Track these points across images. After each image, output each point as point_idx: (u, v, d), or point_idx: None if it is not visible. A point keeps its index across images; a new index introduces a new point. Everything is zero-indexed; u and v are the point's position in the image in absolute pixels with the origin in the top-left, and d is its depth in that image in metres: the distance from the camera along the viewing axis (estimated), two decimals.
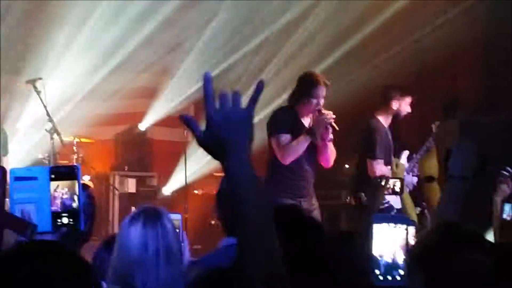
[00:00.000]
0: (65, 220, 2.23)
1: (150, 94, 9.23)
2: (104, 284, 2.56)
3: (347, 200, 7.94)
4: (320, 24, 8.74)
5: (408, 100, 6.28)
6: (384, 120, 6.26)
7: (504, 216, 4.22)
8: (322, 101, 5.44)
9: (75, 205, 2.24)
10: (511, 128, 7.07)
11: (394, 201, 5.99)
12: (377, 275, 1.72)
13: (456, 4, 8.27)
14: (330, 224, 8.04)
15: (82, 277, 1.55)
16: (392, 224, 1.71)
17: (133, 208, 8.50)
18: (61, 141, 7.15)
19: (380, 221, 1.73)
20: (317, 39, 8.76)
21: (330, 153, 5.52)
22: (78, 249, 2.61)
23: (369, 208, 6.10)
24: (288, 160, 5.39)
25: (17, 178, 2.25)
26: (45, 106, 7.04)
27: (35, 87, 7.06)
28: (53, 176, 2.24)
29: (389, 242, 1.72)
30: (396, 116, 6.28)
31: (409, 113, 6.32)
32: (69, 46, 8.41)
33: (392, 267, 1.72)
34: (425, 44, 8.28)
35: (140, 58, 8.91)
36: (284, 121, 5.46)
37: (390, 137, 6.28)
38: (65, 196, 2.24)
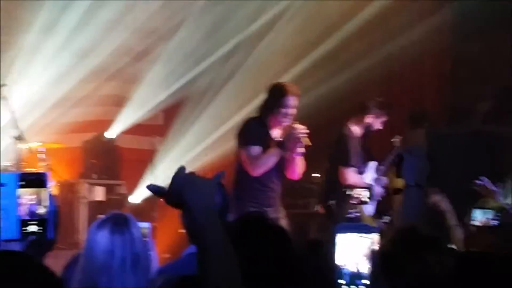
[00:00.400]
0: (33, 228, 2.21)
1: (118, 102, 9.19)
2: None
3: (316, 209, 7.97)
4: (290, 32, 8.77)
5: (382, 117, 6.37)
6: (355, 130, 6.33)
7: (475, 222, 4.27)
8: (292, 111, 5.44)
9: (43, 212, 2.22)
10: (476, 139, 7.20)
11: (365, 209, 6.03)
12: (341, 284, 1.74)
13: (424, 16, 8.37)
14: (299, 234, 8.04)
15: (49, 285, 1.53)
16: (356, 234, 1.73)
17: (101, 217, 8.43)
18: (28, 148, 7.07)
19: (343, 230, 1.74)
20: (287, 46, 8.79)
21: (298, 167, 5.53)
22: (42, 257, 2.59)
23: (338, 217, 6.13)
24: (257, 172, 5.38)
25: None
26: (11, 112, 6.96)
27: (0, 93, 6.98)
28: (21, 183, 2.22)
29: (353, 252, 1.74)
30: (368, 131, 6.36)
31: (378, 129, 6.40)
32: (36, 52, 8.33)
33: (356, 276, 1.73)
34: (393, 54, 8.36)
35: (108, 66, 8.86)
36: (254, 132, 5.44)
37: (360, 146, 6.35)
38: (31, 203, 2.23)
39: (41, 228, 2.21)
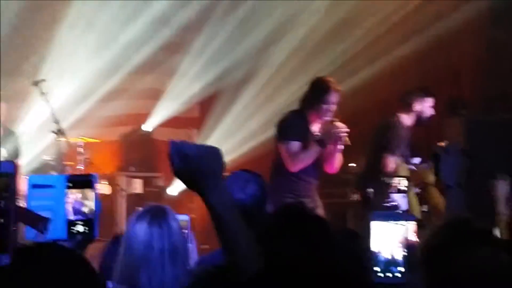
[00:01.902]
0: (80, 228, 2.26)
1: (154, 95, 9.25)
2: (110, 284, 2.58)
3: (354, 197, 7.95)
4: (323, 19, 8.73)
5: (430, 101, 6.30)
6: (406, 120, 6.27)
7: None
8: (333, 107, 5.45)
9: (89, 212, 2.27)
10: None
11: (401, 200, 6.00)
12: (377, 272, 1.74)
13: (459, 2, 8.26)
14: (336, 223, 8.03)
15: (88, 280, 1.56)
16: (390, 221, 1.73)
17: (140, 209, 8.52)
18: (67, 142, 7.17)
19: (378, 218, 1.75)
20: (321, 35, 8.75)
21: (337, 162, 5.55)
22: (83, 249, 2.64)
23: (375, 206, 6.12)
24: (295, 168, 5.41)
25: (35, 186, 2.29)
26: (51, 108, 7.06)
27: (40, 89, 7.08)
28: (69, 184, 2.27)
29: (388, 239, 1.74)
30: (419, 119, 6.29)
31: (432, 115, 6.33)
32: (73, 48, 8.43)
33: (391, 264, 1.73)
34: (429, 43, 8.28)
35: (144, 59, 8.93)
36: (295, 127, 5.45)
37: (408, 137, 6.29)
38: (78, 201, 2.27)
39: (87, 228, 2.26)
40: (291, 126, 5.47)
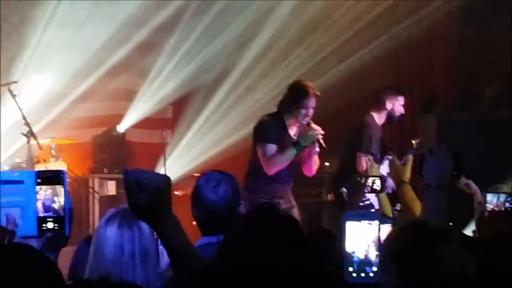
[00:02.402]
0: (50, 225, 2.22)
1: (127, 96, 9.19)
2: None
3: (328, 197, 7.95)
4: (296, 19, 8.73)
5: (401, 99, 6.32)
6: (378, 118, 6.30)
7: (489, 207, 4.24)
8: (311, 112, 5.47)
9: (59, 209, 2.23)
10: (487, 125, 7.16)
11: (374, 199, 6.02)
12: (350, 272, 1.73)
13: (431, 1, 8.30)
14: (311, 223, 8.04)
15: (48, 281, 1.53)
16: (364, 221, 1.72)
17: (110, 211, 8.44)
18: (38, 144, 7.09)
19: (352, 218, 1.73)
20: (294, 34, 8.75)
21: (314, 164, 5.57)
22: (57, 252, 2.59)
23: (350, 205, 6.12)
24: (272, 171, 5.43)
25: (4, 182, 2.25)
26: (21, 110, 6.98)
27: (10, 91, 6.99)
28: (39, 180, 2.24)
29: (362, 239, 1.73)
30: (390, 117, 6.31)
31: (402, 114, 6.36)
32: (45, 49, 8.34)
33: (365, 263, 1.72)
34: (401, 41, 8.31)
35: (117, 60, 8.86)
36: (272, 130, 5.47)
37: (380, 135, 6.31)
38: (47, 198, 2.24)
39: (57, 225, 2.23)
40: (268, 129, 5.49)
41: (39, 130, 7.42)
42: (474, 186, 4.47)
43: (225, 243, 1.78)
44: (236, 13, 8.86)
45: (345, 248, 1.72)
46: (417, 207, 3.37)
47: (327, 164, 8.41)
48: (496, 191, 4.29)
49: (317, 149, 5.44)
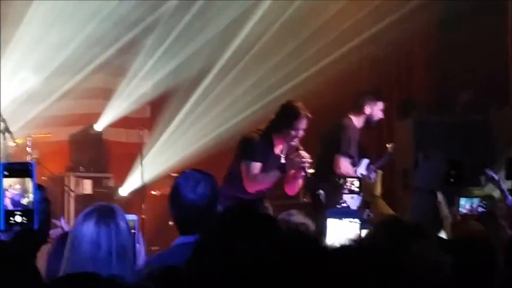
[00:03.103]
0: (18, 219, 2.16)
1: (105, 94, 9.14)
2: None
3: (304, 199, 7.95)
4: (276, 17, 8.74)
5: (380, 104, 6.36)
6: (357, 121, 6.32)
7: (463, 210, 4.28)
8: (301, 133, 5.49)
9: (28, 203, 2.16)
10: (458, 128, 7.21)
11: (351, 202, 6.03)
12: None
13: (410, 4, 8.35)
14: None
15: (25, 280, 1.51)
16: (346, 219, 1.72)
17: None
18: (13, 141, 7.02)
19: (334, 215, 1.73)
20: (274, 33, 8.75)
21: (297, 186, 5.63)
22: (35, 250, 2.55)
23: (327, 207, 6.13)
24: (253, 189, 5.46)
25: None
26: None
27: None
28: (6, 172, 2.16)
29: (342, 236, 1.72)
30: (368, 122, 6.34)
31: (381, 118, 6.39)
32: (24, 47, 8.28)
33: None
34: (379, 43, 8.34)
35: (93, 58, 8.81)
36: (258, 149, 5.48)
37: (358, 138, 6.34)
38: (16, 193, 2.17)
39: (26, 218, 2.16)
40: (255, 147, 5.48)
41: (15, 128, 7.34)
42: (439, 196, 4.50)
43: (201, 243, 1.77)
44: (216, 13, 8.86)
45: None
46: None
47: None
48: (469, 195, 4.32)
49: (303, 173, 5.47)
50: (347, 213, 1.70)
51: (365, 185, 4.06)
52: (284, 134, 5.49)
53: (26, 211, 2.16)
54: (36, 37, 8.34)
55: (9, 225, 2.16)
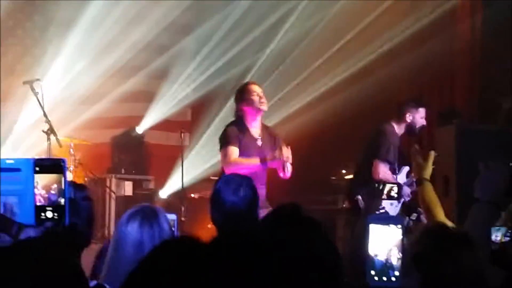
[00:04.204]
0: (49, 214, 2.13)
1: (147, 98, 9.24)
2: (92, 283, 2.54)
3: (344, 204, 7.93)
4: (311, 25, 8.75)
5: (422, 112, 6.31)
6: (398, 128, 6.28)
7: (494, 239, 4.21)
8: (261, 94, 5.50)
9: (59, 199, 2.14)
10: (506, 136, 7.10)
11: (390, 208, 6.00)
12: (372, 275, 1.73)
13: (453, 12, 8.28)
14: (326, 230, 8.01)
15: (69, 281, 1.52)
16: (388, 225, 1.72)
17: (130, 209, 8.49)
18: (58, 142, 7.13)
19: (376, 221, 1.73)
20: (314, 40, 8.77)
21: (287, 171, 5.44)
22: (79, 252, 2.57)
23: (366, 213, 6.10)
24: (229, 169, 5.31)
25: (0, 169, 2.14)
26: (42, 107, 7.02)
27: (32, 88, 7.04)
28: (37, 168, 2.14)
29: (385, 242, 1.73)
30: (410, 129, 6.30)
31: (423, 126, 6.34)
32: (67, 49, 8.41)
33: (387, 267, 1.72)
34: (424, 53, 8.28)
35: (136, 62, 8.91)
36: (233, 134, 5.47)
37: (398, 145, 6.29)
38: (47, 189, 2.17)
39: (57, 214, 2.14)
40: (229, 133, 5.49)
41: (59, 130, 7.46)
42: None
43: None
44: (256, 18, 8.90)
45: (367, 251, 1.72)
46: (438, 209, 3.33)
47: (343, 171, 8.41)
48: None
49: (289, 167, 5.38)
50: (389, 219, 1.70)
51: (415, 166, 4.02)
52: (247, 104, 5.49)
53: (57, 207, 2.14)
54: (81, 40, 8.47)
55: (40, 221, 2.13)
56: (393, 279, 1.71)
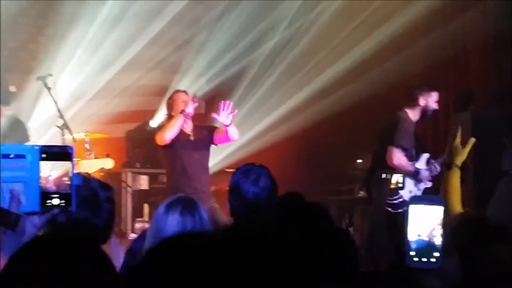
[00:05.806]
0: (55, 201, 2.10)
1: (161, 91, 9.23)
2: None
3: (360, 193, 7.91)
4: (333, 20, 8.72)
5: (435, 96, 6.28)
6: (412, 114, 6.25)
7: None
8: (186, 104, 6.35)
9: (66, 186, 2.11)
10: None
11: (409, 196, 5.95)
12: (412, 256, 1.70)
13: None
14: (343, 220, 8.00)
15: (106, 275, 1.51)
16: (428, 205, 1.69)
17: (145, 205, 8.50)
18: (72, 137, 7.14)
19: (416, 201, 1.71)
20: (330, 33, 8.74)
21: (229, 135, 6.41)
22: (102, 243, 2.56)
23: (377, 202, 6.08)
24: (166, 136, 6.31)
25: (5, 156, 2.10)
26: (55, 103, 7.03)
27: (45, 84, 7.05)
28: (44, 155, 2.11)
29: (425, 224, 1.70)
30: (424, 113, 6.26)
31: (436, 110, 6.31)
32: (80, 44, 8.42)
33: (428, 248, 1.69)
34: (437, 38, 8.24)
35: (150, 56, 8.91)
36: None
37: (414, 131, 6.26)
38: (54, 176, 2.14)
39: (64, 201, 2.11)
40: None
41: (73, 124, 7.47)
42: None
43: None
44: (267, 10, 8.88)
45: (407, 232, 1.69)
46: (457, 197, 3.31)
47: (359, 161, 8.38)
48: None
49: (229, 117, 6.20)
50: (430, 199, 1.67)
51: (452, 149, 3.96)
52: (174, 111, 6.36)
53: (63, 194, 2.11)
54: (93, 35, 8.48)
55: (45, 208, 2.11)
56: (433, 260, 1.68)
